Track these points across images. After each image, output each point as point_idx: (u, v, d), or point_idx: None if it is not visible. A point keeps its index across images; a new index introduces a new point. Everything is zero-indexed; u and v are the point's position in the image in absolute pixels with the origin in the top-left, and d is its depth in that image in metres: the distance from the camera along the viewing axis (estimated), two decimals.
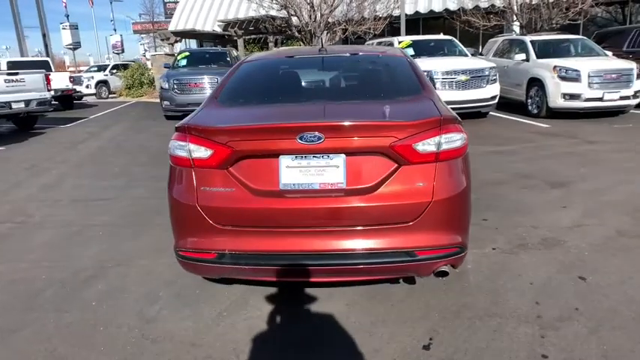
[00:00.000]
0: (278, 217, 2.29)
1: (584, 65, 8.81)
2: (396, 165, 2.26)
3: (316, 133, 2.19)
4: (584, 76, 8.65)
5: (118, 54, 42.25)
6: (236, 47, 19.36)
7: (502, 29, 17.31)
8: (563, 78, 8.88)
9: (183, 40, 24.76)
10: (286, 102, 2.81)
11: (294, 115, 2.42)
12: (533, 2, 13.36)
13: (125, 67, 22.36)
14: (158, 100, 12.83)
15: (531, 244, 3.54)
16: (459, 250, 2.38)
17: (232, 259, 2.34)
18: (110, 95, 21.38)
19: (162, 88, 11.72)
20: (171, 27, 23.66)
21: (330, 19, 16.01)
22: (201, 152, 2.33)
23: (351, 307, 2.73)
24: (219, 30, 22.11)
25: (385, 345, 2.37)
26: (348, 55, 3.37)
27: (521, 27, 13.34)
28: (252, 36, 20.69)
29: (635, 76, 8.71)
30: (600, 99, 8.66)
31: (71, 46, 35.06)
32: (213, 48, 18.75)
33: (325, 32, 16.25)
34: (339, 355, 2.32)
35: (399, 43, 10.89)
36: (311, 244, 2.28)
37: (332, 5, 15.70)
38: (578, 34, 12.86)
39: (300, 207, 2.27)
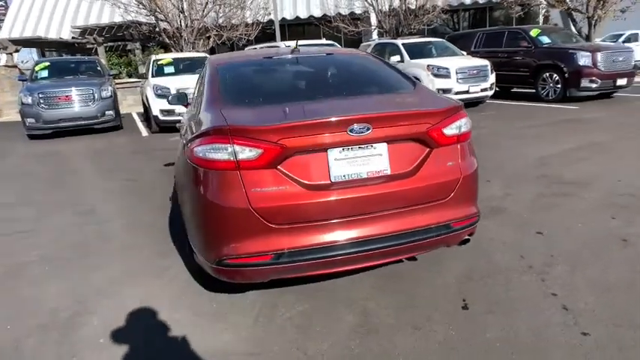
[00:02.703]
0: (332, 209, 2.35)
1: (452, 63, 10.24)
2: (429, 149, 2.52)
3: (365, 124, 2.33)
4: (453, 72, 10.05)
5: None
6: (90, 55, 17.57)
7: (363, 34, 18.91)
8: (436, 75, 10.18)
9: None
10: (305, 99, 2.84)
11: (333, 109, 2.48)
12: (393, 9, 14.92)
13: None
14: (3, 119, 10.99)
15: (483, 213, 4.11)
16: (477, 218, 2.74)
17: (290, 257, 2.33)
18: None
19: (23, 103, 10.12)
20: (4, 34, 20.37)
21: (202, 25, 15.63)
22: (248, 153, 2.27)
23: (379, 290, 2.90)
24: (67, 37, 19.80)
25: (433, 312, 2.61)
26: (325, 55, 3.51)
27: (385, 32, 14.81)
28: (111, 43, 19.01)
29: (490, 71, 10.42)
30: (467, 92, 10.16)
31: None
32: (79, 57, 16.77)
33: (197, 38, 15.81)
34: (398, 333, 2.47)
35: (288, 47, 11.21)
36: (364, 230, 2.40)
37: (203, 11, 15.36)
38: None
39: (352, 196, 2.37)
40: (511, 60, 11.59)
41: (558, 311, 2.56)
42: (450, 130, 2.55)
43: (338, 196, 2.35)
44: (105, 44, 18.39)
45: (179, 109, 9.92)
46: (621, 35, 19.02)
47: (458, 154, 2.60)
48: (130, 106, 15.43)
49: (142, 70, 17.94)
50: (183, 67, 11.22)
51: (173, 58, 11.36)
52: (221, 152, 2.30)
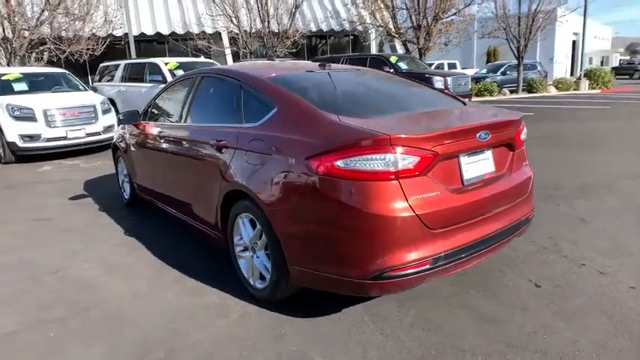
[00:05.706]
0: (471, 210, 2.52)
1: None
2: (512, 152, 2.91)
3: (488, 131, 2.59)
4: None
5: None
6: None
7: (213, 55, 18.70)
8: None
9: None
10: (405, 110, 2.95)
11: (463, 119, 2.67)
12: (255, 32, 15.25)
13: None
14: None
15: None
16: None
17: (445, 259, 2.41)
18: None
19: None
20: None
21: (34, 36, 13.34)
22: (407, 161, 2.29)
23: (458, 285, 3.12)
24: None
25: (519, 294, 2.97)
26: (357, 70, 3.63)
27: (250, 53, 14.98)
28: None
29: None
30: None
31: None
32: None
33: (29, 51, 13.43)
34: (515, 316, 2.74)
35: (166, 64, 10.51)
36: (491, 226, 2.64)
37: (37, 20, 13.17)
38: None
39: (481, 197, 2.59)
40: None
41: (599, 275, 3.21)
42: (523, 136, 3.00)
43: (473, 198, 2.55)
44: None
45: (47, 133, 8.38)
46: (432, 64, 23.07)
47: (525, 156, 3.07)
48: None
49: None
50: (38, 83, 9.48)
51: (23, 74, 9.47)
52: (376, 162, 2.26)
